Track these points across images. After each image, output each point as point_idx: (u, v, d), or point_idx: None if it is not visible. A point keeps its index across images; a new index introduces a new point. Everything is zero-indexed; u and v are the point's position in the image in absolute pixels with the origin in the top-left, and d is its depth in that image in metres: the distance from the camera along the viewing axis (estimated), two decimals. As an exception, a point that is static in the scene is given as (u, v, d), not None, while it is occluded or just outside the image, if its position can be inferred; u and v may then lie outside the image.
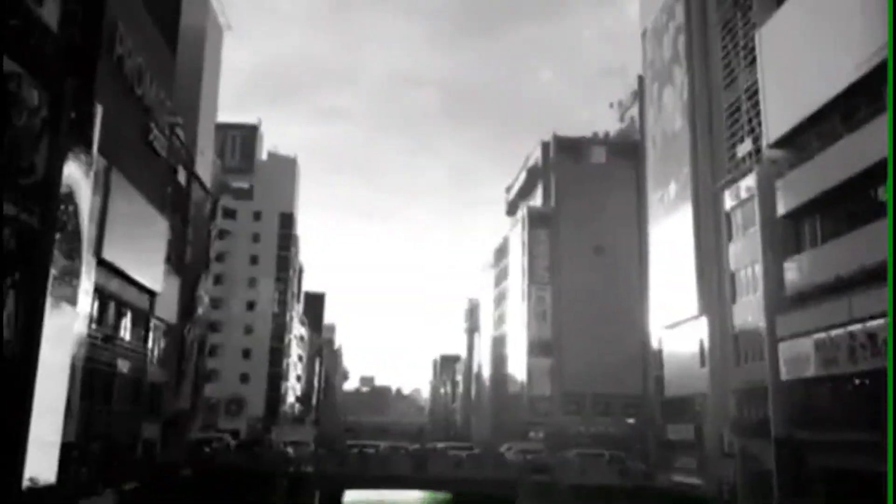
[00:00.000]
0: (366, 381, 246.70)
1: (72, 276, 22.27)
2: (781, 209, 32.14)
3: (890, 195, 19.66)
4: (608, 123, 74.92)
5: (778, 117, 32.56)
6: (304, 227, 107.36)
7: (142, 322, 33.05)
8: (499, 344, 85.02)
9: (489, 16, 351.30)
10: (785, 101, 32.08)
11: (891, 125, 19.91)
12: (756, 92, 34.78)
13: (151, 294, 33.05)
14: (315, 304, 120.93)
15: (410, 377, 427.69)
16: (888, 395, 19.04)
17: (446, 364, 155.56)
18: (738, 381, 36.19)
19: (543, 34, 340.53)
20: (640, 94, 60.10)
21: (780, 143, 32.74)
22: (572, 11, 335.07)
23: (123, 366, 30.31)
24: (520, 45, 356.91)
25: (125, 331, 31.10)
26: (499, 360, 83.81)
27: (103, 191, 25.75)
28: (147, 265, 31.72)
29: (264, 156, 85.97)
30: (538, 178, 73.70)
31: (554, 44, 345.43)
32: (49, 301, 20.40)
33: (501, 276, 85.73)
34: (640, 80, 58.21)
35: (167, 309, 36.22)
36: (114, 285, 28.62)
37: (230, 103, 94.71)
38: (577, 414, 62.82)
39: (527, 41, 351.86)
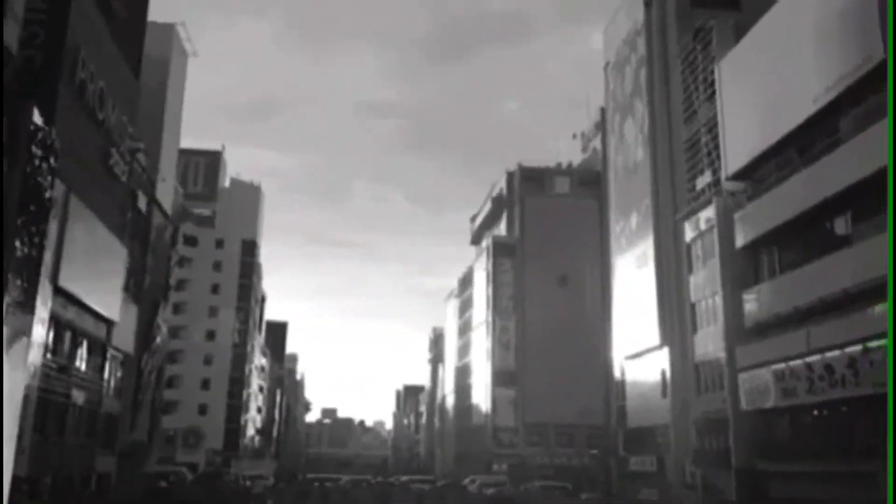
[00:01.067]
0: (328, 412, 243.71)
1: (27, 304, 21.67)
2: (740, 240, 32.67)
3: (890, 198, 20.02)
4: (572, 154, 75.84)
5: (736, 150, 33.24)
6: (267, 255, 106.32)
7: (98, 351, 32.30)
8: (463, 374, 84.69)
9: (455, 45, 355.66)
10: (743, 134, 32.78)
11: (891, 128, 20.34)
12: (715, 125, 35.48)
13: (109, 323, 32.35)
14: (277, 333, 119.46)
15: (374, 408, 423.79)
16: (889, 395, 19.17)
17: (410, 395, 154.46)
18: (699, 412, 36.38)
19: (509, 64, 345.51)
20: (602, 126, 61.04)
21: (739, 176, 33.42)
22: (537, 42, 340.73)
23: (78, 396, 29.56)
24: (485, 75, 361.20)
25: (81, 360, 30.37)
26: (463, 390, 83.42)
27: (61, 216, 25.24)
28: (105, 293, 31.07)
29: (227, 182, 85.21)
30: (503, 208, 74.16)
31: (519, 74, 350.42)
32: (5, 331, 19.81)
33: (466, 306, 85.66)
34: (603, 111, 59.18)
35: (125, 338, 35.48)
36: (70, 313, 27.97)
37: (194, 129, 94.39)
38: (540, 445, 62.62)
39: (492, 71, 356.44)
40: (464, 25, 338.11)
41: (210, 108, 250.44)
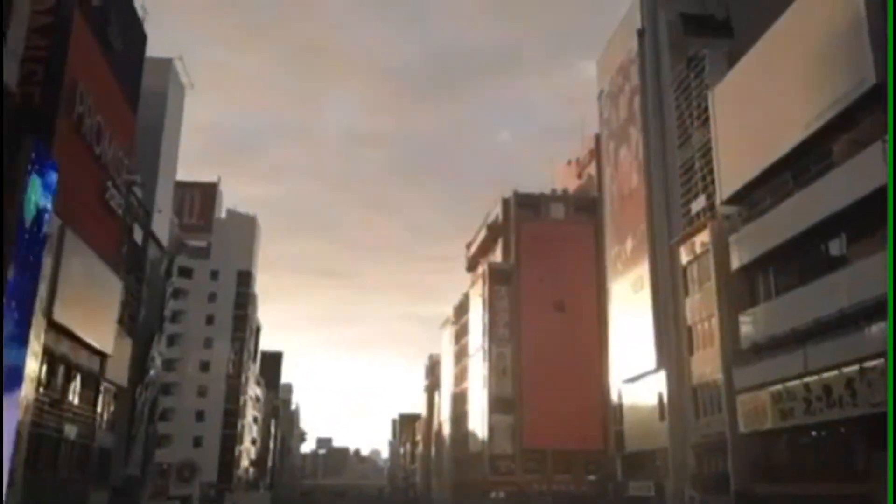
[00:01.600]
0: (323, 442, 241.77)
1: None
2: (735, 263, 32.80)
3: (890, 204, 20.16)
4: (566, 181, 76.17)
5: (730, 174, 33.52)
6: (262, 286, 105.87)
7: (91, 385, 32.04)
8: (459, 401, 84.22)
9: (444, 77, 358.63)
10: (737, 159, 33.09)
11: (891, 132, 20.54)
12: (709, 150, 35.82)
13: (102, 356, 32.16)
14: (272, 363, 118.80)
15: (369, 437, 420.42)
16: (889, 397, 19.14)
17: (406, 423, 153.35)
18: (697, 435, 36.27)
19: (498, 95, 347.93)
20: (597, 153, 61.48)
21: (733, 200, 33.65)
22: (525, 74, 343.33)
23: (71, 431, 29.28)
24: (474, 106, 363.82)
25: (74, 394, 30.11)
26: (459, 417, 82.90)
27: (56, 250, 25.22)
28: (99, 326, 30.92)
29: (223, 214, 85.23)
30: (498, 235, 74.26)
31: (509, 104, 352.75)
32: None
33: (462, 333, 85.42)
34: (597, 138, 59.64)
35: (118, 371, 35.23)
36: (63, 347, 27.80)
37: (188, 161, 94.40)
38: (538, 472, 62.12)
39: (481, 103, 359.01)
40: (452, 58, 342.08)
41: (203, 141, 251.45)
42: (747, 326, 31.81)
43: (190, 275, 74.35)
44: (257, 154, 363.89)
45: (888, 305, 20.30)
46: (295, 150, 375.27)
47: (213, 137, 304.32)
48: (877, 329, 23.22)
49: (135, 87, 34.32)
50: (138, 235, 38.70)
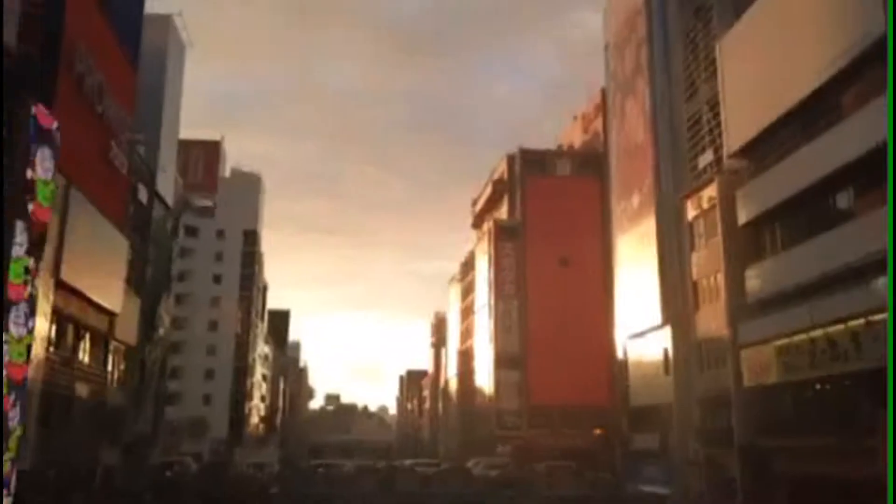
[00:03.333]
0: (331, 399, 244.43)
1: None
2: (742, 218, 32.59)
3: (890, 196, 20.07)
4: (572, 137, 75.50)
5: (738, 128, 33.13)
6: (268, 245, 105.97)
7: (101, 344, 32.41)
8: (466, 358, 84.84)
9: (446, 30, 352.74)
10: (745, 112, 32.67)
11: (891, 127, 20.33)
12: (717, 103, 35.30)
13: (111, 315, 32.42)
14: (279, 321, 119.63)
15: (377, 394, 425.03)
16: (888, 395, 19.25)
17: (413, 379, 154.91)
18: (702, 390, 36.49)
19: (498, 48, 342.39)
20: (603, 107, 60.72)
21: (741, 153, 33.30)
22: (525, 27, 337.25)
23: (82, 389, 29.70)
24: (476, 59, 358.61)
25: (84, 353, 30.49)
26: (466, 374, 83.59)
27: (61, 210, 25.28)
28: (106, 286, 31.13)
29: (227, 173, 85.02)
30: (504, 191, 73.91)
31: (509, 58, 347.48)
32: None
33: (468, 290, 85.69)
34: (603, 92, 58.88)
35: (127, 330, 35.56)
36: (72, 306, 28.03)
37: (191, 120, 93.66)
38: (544, 427, 62.70)
39: (482, 56, 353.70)
40: (451, 12, 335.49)
41: (205, 100, 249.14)
42: (753, 281, 31.77)
43: (196, 234, 74.51)
44: (257, 112, 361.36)
45: (888, 270, 20.13)
46: (295, 108, 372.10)
47: (212, 96, 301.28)
48: (883, 282, 23.12)
49: (135, 45, 34.00)
50: (143, 195, 38.67)
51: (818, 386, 28.00)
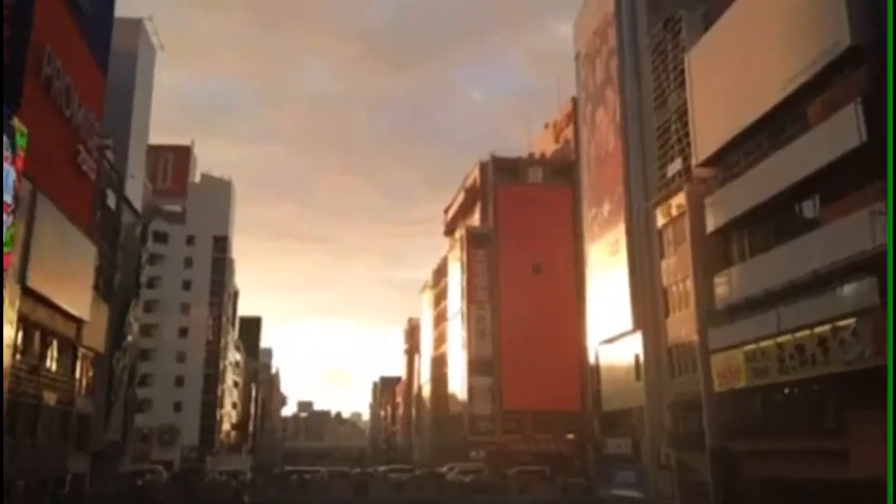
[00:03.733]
0: (304, 406, 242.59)
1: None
2: (711, 225, 33.00)
3: (890, 195, 20.40)
4: (543, 145, 75.99)
5: (706, 137, 33.61)
6: (239, 251, 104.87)
7: (69, 351, 31.93)
8: (439, 364, 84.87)
9: (418, 37, 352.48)
10: (713, 121, 33.16)
11: (891, 126, 20.71)
12: (685, 113, 35.81)
13: (79, 322, 31.96)
14: (251, 328, 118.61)
15: (350, 401, 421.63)
16: (888, 395, 19.55)
17: (386, 386, 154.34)
18: (673, 394, 36.83)
19: (471, 56, 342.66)
20: (574, 116, 61.31)
21: (709, 162, 33.79)
22: (498, 34, 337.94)
23: (50, 397, 29.22)
24: (448, 66, 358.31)
25: (51, 361, 30.00)
26: (439, 380, 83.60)
27: (28, 215, 24.88)
28: (74, 292, 30.69)
29: (198, 178, 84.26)
30: (476, 198, 74.19)
31: (482, 65, 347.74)
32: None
33: (440, 297, 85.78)
34: (574, 101, 59.43)
35: (95, 337, 35.10)
36: (39, 313, 27.59)
37: (161, 125, 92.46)
38: (517, 432, 62.97)
39: (455, 63, 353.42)
40: (424, 18, 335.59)
41: (174, 104, 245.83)
42: (722, 288, 32.14)
43: (165, 240, 73.77)
44: (228, 118, 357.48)
45: (888, 268, 20.46)
46: (266, 114, 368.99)
47: (182, 101, 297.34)
48: (849, 289, 23.60)
49: (104, 49, 33.63)
50: (112, 200, 38.25)
51: (787, 390, 28.34)
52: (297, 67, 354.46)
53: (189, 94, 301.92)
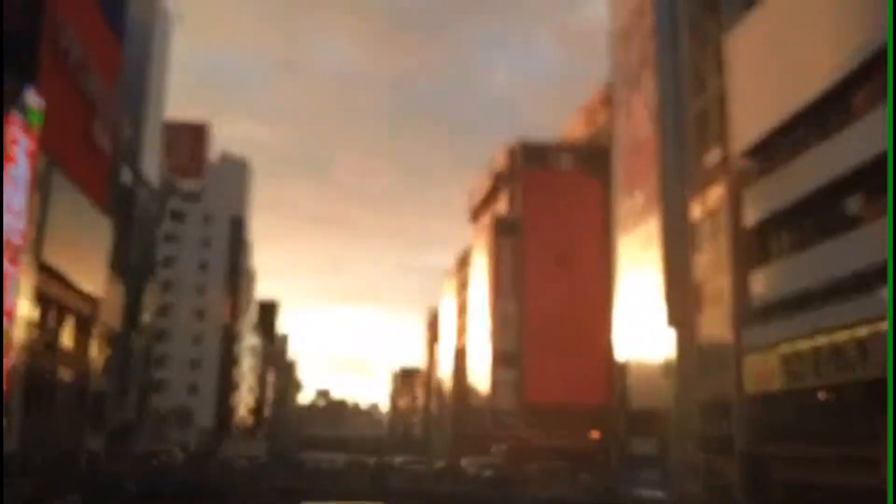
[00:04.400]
0: (322, 393, 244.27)
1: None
2: (749, 220, 31.87)
3: (890, 195, 19.29)
4: (575, 130, 74.51)
5: (747, 126, 32.28)
6: (256, 232, 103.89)
7: (85, 329, 31.66)
8: (461, 355, 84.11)
9: (443, 15, 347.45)
10: (754, 109, 31.81)
11: (891, 126, 19.56)
12: (725, 98, 34.39)
13: (94, 300, 31.59)
14: (268, 312, 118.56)
15: (367, 389, 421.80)
16: (889, 400, 18.55)
17: (406, 376, 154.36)
18: (702, 395, 35.87)
19: (496, 33, 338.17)
20: (609, 100, 59.73)
21: (749, 153, 32.40)
22: (524, 12, 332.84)
23: (65, 374, 29.08)
24: (472, 45, 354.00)
25: (67, 338, 29.75)
26: (461, 371, 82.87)
27: (43, 190, 24.41)
28: (89, 268, 30.35)
29: (214, 157, 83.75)
30: (503, 185, 73.04)
31: (506, 44, 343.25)
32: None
33: (464, 285, 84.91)
34: (609, 86, 57.86)
35: (111, 316, 34.84)
36: (54, 289, 27.22)
37: (173, 100, 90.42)
38: (540, 427, 62.06)
39: (479, 41, 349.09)
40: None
41: (186, 80, 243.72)
42: (758, 285, 31.10)
43: (182, 219, 73.39)
44: (246, 92, 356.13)
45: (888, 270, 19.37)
46: (285, 91, 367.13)
47: (199, 75, 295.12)
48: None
49: (121, 18, 32.93)
50: (127, 177, 37.65)
51: (820, 395, 27.40)
52: (317, 43, 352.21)
53: (205, 67, 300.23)
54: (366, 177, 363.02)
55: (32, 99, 21.80)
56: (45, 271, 25.66)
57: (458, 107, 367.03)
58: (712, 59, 36.59)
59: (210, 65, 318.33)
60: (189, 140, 73.38)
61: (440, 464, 54.70)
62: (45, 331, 27.08)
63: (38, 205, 24.07)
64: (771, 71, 30.62)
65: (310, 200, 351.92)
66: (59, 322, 28.92)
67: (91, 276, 30.47)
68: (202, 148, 77.08)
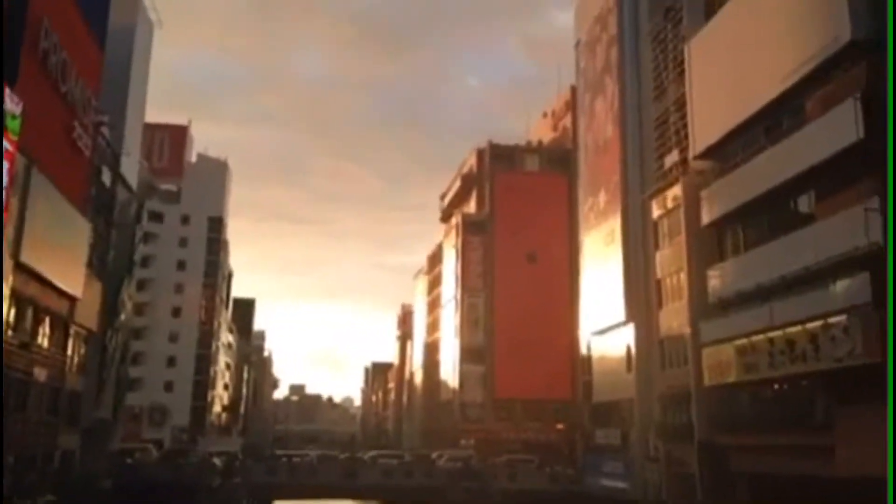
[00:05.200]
0: (296, 389, 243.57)
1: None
2: (706, 218, 32.91)
3: (890, 194, 20.40)
4: (541, 133, 75.80)
5: (704, 129, 33.43)
6: (233, 232, 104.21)
7: (61, 328, 31.90)
8: (431, 351, 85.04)
9: (413, 22, 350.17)
10: (711, 113, 32.99)
11: (891, 125, 20.65)
12: (684, 104, 35.63)
13: (72, 299, 31.91)
14: (244, 310, 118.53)
15: (342, 385, 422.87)
16: (888, 396, 19.62)
17: (378, 371, 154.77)
18: (663, 387, 36.90)
19: (469, 41, 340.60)
20: (573, 104, 61.07)
21: (706, 154, 33.58)
22: (494, 20, 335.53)
23: (40, 374, 29.24)
24: (444, 51, 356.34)
25: (43, 337, 29.99)
26: (431, 366, 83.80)
27: (22, 190, 24.82)
28: (67, 269, 30.65)
29: (194, 158, 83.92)
30: (472, 185, 74.10)
31: (477, 51, 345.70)
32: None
33: (435, 283, 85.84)
34: (573, 89, 59.19)
35: (88, 315, 35.06)
36: (32, 289, 27.54)
37: (152, 103, 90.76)
38: (508, 420, 63.20)
39: (451, 48, 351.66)
40: (415, 3, 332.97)
41: (166, 83, 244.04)
42: (715, 281, 32.10)
43: (160, 219, 73.55)
44: (219, 97, 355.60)
45: (887, 268, 20.45)
46: (259, 95, 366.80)
47: (177, 79, 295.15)
48: (841, 286, 23.62)
49: (102, 23, 33.40)
50: (106, 177, 38.07)
51: (776, 385, 28.44)
52: (290, 49, 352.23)
53: (179, 72, 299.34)
54: (341, 179, 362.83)
55: (10, 101, 22.17)
56: (23, 271, 25.98)
57: (430, 112, 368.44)
58: (672, 66, 37.92)
59: (182, 68, 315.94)
60: (169, 141, 73.43)
61: (411, 457, 55.59)
62: (20, 331, 27.31)
63: (17, 205, 24.40)
64: (727, 77, 31.66)
65: (284, 201, 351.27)
66: (36, 322, 29.12)
67: (69, 277, 30.78)
68: (182, 149, 77.17)
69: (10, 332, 25.59)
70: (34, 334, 28.87)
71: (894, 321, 20.27)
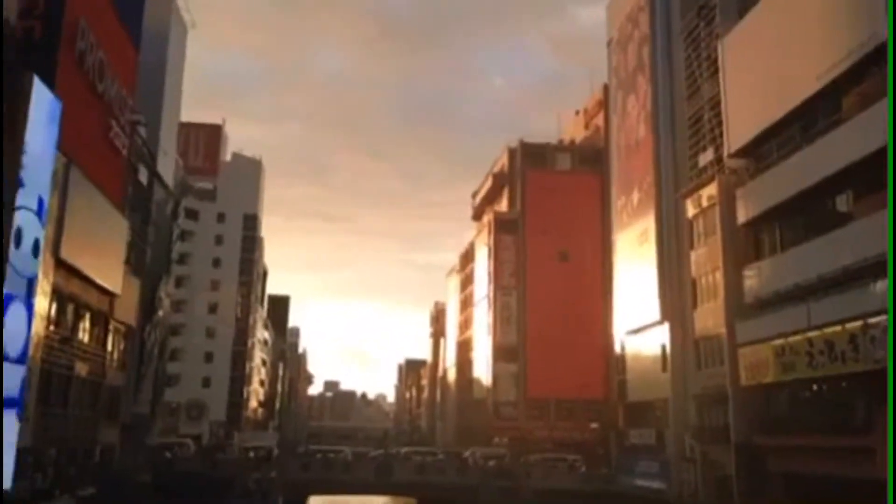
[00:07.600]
0: (330, 385, 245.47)
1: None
2: (741, 217, 32.59)
3: (890, 194, 20.07)
4: (573, 132, 75.31)
5: (739, 127, 33.05)
6: (267, 230, 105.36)
7: (101, 324, 32.50)
8: (464, 348, 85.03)
9: (437, 20, 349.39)
10: (746, 111, 32.60)
11: (891, 125, 20.31)
12: (718, 102, 35.20)
13: (111, 295, 32.50)
14: (279, 307, 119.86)
15: (376, 381, 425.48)
16: (889, 395, 19.32)
17: (412, 368, 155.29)
18: (698, 387, 36.56)
19: (491, 40, 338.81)
20: (605, 103, 60.62)
21: (741, 153, 33.21)
22: (518, 19, 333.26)
23: (81, 369, 29.81)
24: (469, 50, 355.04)
25: (83, 333, 30.58)
26: (464, 364, 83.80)
27: (62, 189, 25.32)
28: (106, 266, 31.19)
29: (228, 157, 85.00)
30: (504, 184, 73.94)
31: (503, 50, 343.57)
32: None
33: (467, 281, 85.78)
34: (606, 88, 58.74)
35: (127, 311, 35.66)
36: (72, 286, 28.11)
37: (187, 102, 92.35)
38: (541, 419, 63.00)
39: (476, 47, 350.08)
40: (439, 1, 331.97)
41: (194, 82, 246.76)
42: (751, 281, 31.78)
43: (196, 217, 74.58)
44: (244, 96, 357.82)
45: (888, 270, 20.11)
46: (282, 94, 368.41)
47: (205, 78, 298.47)
48: (881, 286, 23.16)
49: (137, 24, 33.92)
50: (143, 176, 38.70)
51: (815, 386, 28.03)
52: (313, 47, 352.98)
53: (205, 71, 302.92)
54: (367, 177, 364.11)
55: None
56: (64, 268, 26.53)
57: (453, 110, 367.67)
58: (705, 65, 37.44)
59: (208, 68, 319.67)
60: (204, 140, 74.56)
61: (444, 454, 55.68)
62: (62, 326, 27.88)
63: (57, 203, 24.92)
64: (763, 74, 31.26)
65: (312, 200, 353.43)
66: (77, 318, 29.71)
67: (108, 273, 31.34)
68: (217, 148, 78.30)
69: (51, 328, 26.10)
70: (75, 330, 29.44)
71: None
